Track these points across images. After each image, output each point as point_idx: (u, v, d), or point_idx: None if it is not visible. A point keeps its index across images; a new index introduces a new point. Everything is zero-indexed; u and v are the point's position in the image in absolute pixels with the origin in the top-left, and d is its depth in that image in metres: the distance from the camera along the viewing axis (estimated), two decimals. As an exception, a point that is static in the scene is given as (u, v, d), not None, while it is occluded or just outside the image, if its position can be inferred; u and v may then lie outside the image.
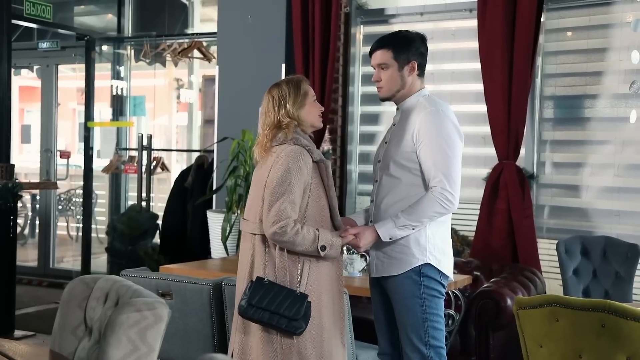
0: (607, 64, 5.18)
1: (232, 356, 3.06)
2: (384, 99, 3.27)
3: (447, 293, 4.13)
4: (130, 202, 7.85)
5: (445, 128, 3.08)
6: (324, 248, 2.92)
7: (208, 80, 8.17)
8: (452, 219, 5.31)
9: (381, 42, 3.22)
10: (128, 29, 7.98)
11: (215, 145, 6.07)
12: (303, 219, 2.96)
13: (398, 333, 3.17)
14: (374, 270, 3.21)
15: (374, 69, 3.25)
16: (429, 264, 3.09)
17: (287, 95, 3.03)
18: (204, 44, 7.07)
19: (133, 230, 6.91)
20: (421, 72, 3.24)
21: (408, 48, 3.18)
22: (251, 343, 3.01)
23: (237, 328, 3.06)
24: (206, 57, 7.06)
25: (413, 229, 3.04)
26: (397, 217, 3.03)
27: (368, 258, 3.59)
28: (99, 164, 7.75)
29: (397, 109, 3.26)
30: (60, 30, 7.66)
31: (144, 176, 7.00)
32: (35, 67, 8.99)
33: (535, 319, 2.61)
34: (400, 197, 3.11)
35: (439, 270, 3.11)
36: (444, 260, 3.14)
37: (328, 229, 3.02)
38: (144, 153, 7.00)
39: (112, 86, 7.90)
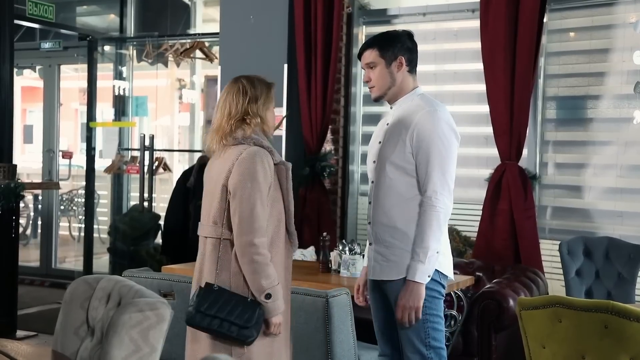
0: (610, 65, 5.18)
1: None
2: (376, 99, 3.25)
3: (449, 294, 4.15)
4: (132, 203, 7.85)
5: (442, 129, 3.06)
6: (269, 296, 2.82)
7: (210, 80, 8.17)
8: (455, 219, 5.40)
9: (367, 43, 3.24)
10: (130, 29, 7.98)
11: (217, 145, 6.06)
12: None
13: (398, 334, 3.17)
14: (371, 272, 3.18)
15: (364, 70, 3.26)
16: None
17: (260, 93, 2.97)
18: (206, 44, 7.07)
19: (135, 230, 6.91)
20: (411, 69, 3.20)
21: (393, 44, 3.17)
22: (199, 353, 2.91)
23: (189, 338, 2.99)
24: (208, 57, 7.06)
25: (437, 252, 3.02)
26: (416, 255, 3.00)
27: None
28: (101, 164, 7.75)
29: (391, 108, 3.25)
30: (63, 31, 7.66)
31: (146, 176, 7.00)
32: (37, 68, 9.00)
33: (538, 320, 2.61)
34: (398, 200, 3.09)
35: (438, 271, 3.09)
36: (444, 262, 3.12)
37: (282, 233, 2.95)
38: (146, 153, 7.00)
39: (114, 86, 7.90)
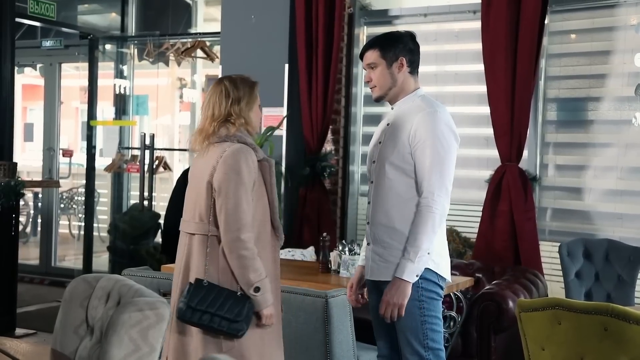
0: (611, 67, 5.18)
1: None
2: (377, 99, 3.25)
3: (448, 295, 4.14)
4: (132, 201, 7.85)
5: (442, 130, 3.05)
6: (257, 289, 2.88)
7: (211, 80, 8.17)
8: (455, 220, 5.41)
9: (368, 44, 3.23)
10: (131, 28, 7.99)
11: (217, 145, 6.06)
12: None
13: (396, 335, 3.16)
14: (369, 272, 3.17)
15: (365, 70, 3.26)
16: (426, 268, 3.07)
17: (242, 95, 3.01)
18: (207, 43, 7.07)
19: (135, 229, 6.91)
20: (413, 70, 3.19)
21: (395, 45, 3.16)
22: (191, 347, 2.95)
23: (175, 329, 3.00)
24: (209, 56, 7.06)
25: (429, 252, 3.00)
26: (407, 253, 2.98)
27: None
28: (102, 162, 7.76)
29: (392, 108, 3.25)
30: (64, 29, 7.67)
31: (146, 175, 7.00)
32: (38, 66, 9.00)
33: (537, 322, 2.61)
34: (397, 200, 3.08)
35: (437, 273, 3.08)
36: (442, 263, 3.11)
37: (268, 227, 3.01)
38: (147, 152, 7.01)
39: (115, 85, 7.90)
